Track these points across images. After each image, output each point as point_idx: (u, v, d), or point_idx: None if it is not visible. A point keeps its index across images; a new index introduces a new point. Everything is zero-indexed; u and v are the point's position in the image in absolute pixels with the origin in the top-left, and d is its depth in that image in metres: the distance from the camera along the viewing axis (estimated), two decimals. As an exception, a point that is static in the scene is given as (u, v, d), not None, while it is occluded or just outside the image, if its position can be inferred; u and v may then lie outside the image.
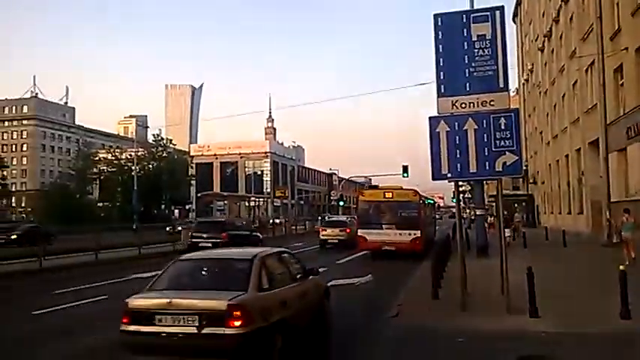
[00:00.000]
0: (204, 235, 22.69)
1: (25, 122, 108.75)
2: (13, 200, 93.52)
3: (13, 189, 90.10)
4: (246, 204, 39.66)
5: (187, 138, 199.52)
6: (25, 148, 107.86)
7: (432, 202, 29.10)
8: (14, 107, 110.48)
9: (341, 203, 62.18)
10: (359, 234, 20.81)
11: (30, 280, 14.92)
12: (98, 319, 9.66)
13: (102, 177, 71.96)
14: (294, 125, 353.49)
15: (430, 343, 6.89)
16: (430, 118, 8.54)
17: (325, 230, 27.35)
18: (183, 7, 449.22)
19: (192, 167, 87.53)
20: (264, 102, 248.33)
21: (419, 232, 19.82)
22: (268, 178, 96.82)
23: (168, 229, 37.27)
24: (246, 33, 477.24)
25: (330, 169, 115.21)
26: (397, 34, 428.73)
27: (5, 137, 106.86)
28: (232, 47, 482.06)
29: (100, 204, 69.14)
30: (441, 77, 8.51)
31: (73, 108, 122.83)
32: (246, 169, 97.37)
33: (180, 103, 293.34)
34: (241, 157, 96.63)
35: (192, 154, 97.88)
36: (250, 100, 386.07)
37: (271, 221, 45.60)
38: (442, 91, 8.50)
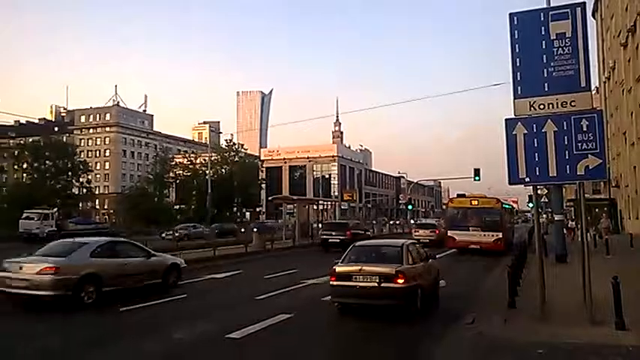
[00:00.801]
0: (333, 233, 27.81)
1: (107, 129, 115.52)
2: (97, 202, 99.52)
3: (97, 192, 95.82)
4: (315, 207, 39.91)
5: (257, 143, 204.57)
6: (107, 154, 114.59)
7: (510, 207, 32.76)
8: (98, 115, 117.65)
9: (409, 207, 61.30)
10: (449, 234, 24.65)
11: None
12: (180, 318, 10.13)
13: (178, 181, 75.05)
14: (361, 129, 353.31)
15: (507, 354, 6.66)
16: (506, 120, 8.28)
17: (417, 231, 31.15)
18: (254, 15, 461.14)
19: (262, 171, 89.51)
20: (331, 106, 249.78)
21: (500, 233, 23.52)
22: (336, 182, 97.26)
23: (243, 230, 39.26)
24: (313, 39, 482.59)
25: (399, 173, 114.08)
26: (468, 33, 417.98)
27: (90, 143, 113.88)
28: (301, 53, 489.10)
29: (177, 206, 72.13)
30: (518, 78, 8.24)
31: (152, 115, 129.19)
32: (314, 173, 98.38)
33: (250, 109, 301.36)
34: (309, 161, 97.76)
35: (262, 158, 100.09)
36: (318, 104, 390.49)
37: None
38: (519, 92, 8.22)
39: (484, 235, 23.40)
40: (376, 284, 9.40)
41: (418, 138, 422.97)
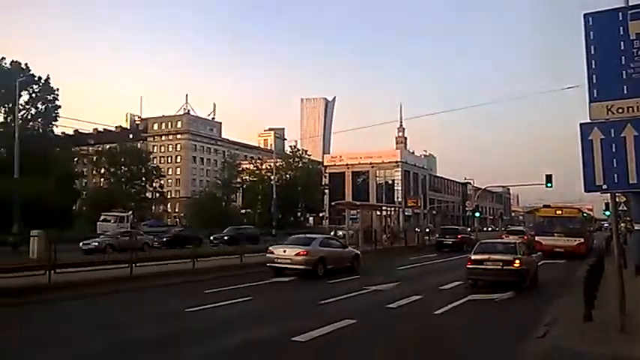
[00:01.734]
0: (447, 236, 35.18)
1: (178, 136, 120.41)
2: (169, 206, 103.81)
3: (169, 196, 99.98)
4: (378, 213, 39.70)
5: (321, 148, 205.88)
6: (178, 160, 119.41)
7: (589, 216, 37.24)
8: (170, 123, 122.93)
9: (477, 214, 59.53)
10: (536, 239, 27.75)
11: (184, 279, 16.40)
12: (244, 319, 10.42)
13: (244, 186, 76.97)
14: (426, 134, 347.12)
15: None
16: (581, 124, 7.91)
17: (508, 237, 32.33)
18: (318, 23, 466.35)
19: (325, 177, 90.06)
20: (395, 112, 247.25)
21: (582, 239, 27.33)
22: (399, 188, 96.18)
23: (332, 233, 39.92)
24: (375, 44, 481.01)
25: (465, 179, 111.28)
26: (540, 34, 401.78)
27: (162, 150, 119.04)
28: (364, 59, 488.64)
29: (243, 211, 73.97)
30: (594, 81, 7.86)
31: (220, 123, 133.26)
32: (377, 179, 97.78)
33: (314, 115, 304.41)
34: (372, 167, 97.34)
35: (325, 164, 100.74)
36: (381, 110, 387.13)
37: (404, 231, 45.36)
38: (595, 95, 7.84)
39: (567, 240, 26.64)
40: (500, 267, 14.30)
41: (485, 143, 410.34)
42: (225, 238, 36.08)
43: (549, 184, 43.22)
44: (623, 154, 7.50)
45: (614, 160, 7.58)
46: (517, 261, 14.31)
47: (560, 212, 29.55)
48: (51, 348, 7.94)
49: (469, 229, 58.02)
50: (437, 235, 36.58)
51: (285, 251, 17.38)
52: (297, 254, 16.99)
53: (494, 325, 10.05)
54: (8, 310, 10.89)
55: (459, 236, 34.77)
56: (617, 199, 12.76)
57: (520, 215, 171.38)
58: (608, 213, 38.95)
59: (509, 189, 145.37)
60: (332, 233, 39.90)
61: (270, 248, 18.06)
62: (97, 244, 26.77)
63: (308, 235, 20.11)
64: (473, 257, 14.93)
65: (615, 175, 7.58)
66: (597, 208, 60.99)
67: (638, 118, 7.50)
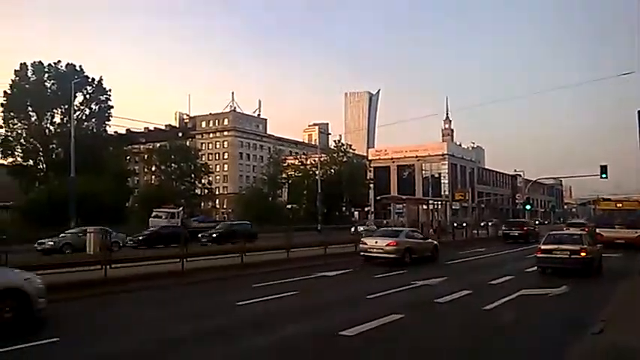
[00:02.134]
0: (513, 229, 36.82)
1: (225, 134, 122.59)
2: (217, 202, 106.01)
3: (217, 192, 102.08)
4: (424, 207, 39.20)
5: (365, 143, 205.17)
6: (226, 157, 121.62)
7: None
8: (217, 120, 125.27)
9: (527, 207, 57.82)
10: (597, 232, 28.05)
11: (234, 273, 16.72)
12: (291, 312, 10.53)
13: (290, 181, 77.72)
14: (473, 126, 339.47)
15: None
16: (639, 112, 7.55)
17: (569, 229, 32.78)
18: (360, 16, 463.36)
19: (370, 171, 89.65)
20: (441, 104, 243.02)
21: None
22: (446, 181, 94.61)
23: (352, 229, 39.67)
24: (420, 36, 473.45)
25: (515, 171, 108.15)
26: (595, 20, 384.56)
27: (210, 147, 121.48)
28: (407, 51, 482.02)
29: (289, 206, 74.69)
30: (653, 65, 7.45)
31: (265, 119, 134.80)
32: (424, 172, 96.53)
33: (358, 109, 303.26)
34: (418, 160, 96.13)
35: (370, 158, 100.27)
36: (427, 103, 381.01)
37: (454, 224, 44.72)
38: (655, 81, 7.45)
39: (628, 231, 27.47)
40: (567, 255, 15.75)
41: (537, 134, 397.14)
42: (214, 235, 32.73)
43: (604, 175, 41.60)
44: (687, 142, 7.11)
45: (677, 148, 7.18)
46: (583, 251, 15.79)
47: (620, 205, 31.32)
48: (121, 335, 8.28)
49: (536, 221, 62.66)
50: (503, 228, 38.91)
51: (376, 242, 20.16)
52: (387, 245, 19.63)
53: (547, 321, 9.73)
54: (83, 302, 11.52)
55: (525, 228, 37.06)
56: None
57: (573, 208, 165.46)
58: None
59: (561, 181, 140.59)
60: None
61: (363, 239, 21.70)
62: (52, 243, 25.82)
63: (395, 229, 24.08)
64: (542, 247, 16.58)
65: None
66: None
67: (702, 103, 7.07)
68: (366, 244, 20.49)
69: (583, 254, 15.57)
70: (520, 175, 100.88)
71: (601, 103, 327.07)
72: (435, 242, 22.54)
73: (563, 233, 20.10)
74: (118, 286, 13.19)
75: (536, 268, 16.92)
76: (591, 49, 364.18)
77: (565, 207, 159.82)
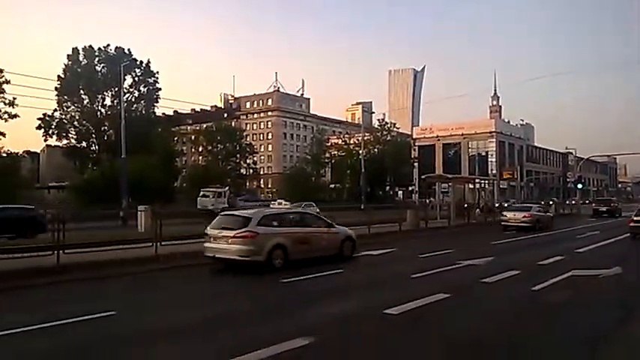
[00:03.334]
0: (602, 205, 46.26)
1: (269, 114, 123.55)
2: (262, 182, 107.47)
3: (261, 172, 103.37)
4: (471, 186, 38.41)
5: (410, 121, 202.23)
6: (270, 137, 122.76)
7: None
8: (261, 101, 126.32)
9: (579, 186, 55.83)
10: None
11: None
12: (336, 291, 10.62)
13: (333, 161, 77.77)
14: (523, 103, 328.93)
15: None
16: None
17: None
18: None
19: (414, 150, 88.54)
20: (489, 80, 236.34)
21: None
22: (494, 159, 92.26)
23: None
24: (466, 9, 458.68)
25: (566, 148, 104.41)
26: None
27: (254, 127, 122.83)
28: (454, 27, 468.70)
29: (332, 185, 74.90)
30: None
31: (308, 99, 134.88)
32: (470, 150, 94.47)
33: (402, 87, 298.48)
34: (464, 138, 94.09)
35: (414, 136, 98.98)
36: (474, 79, 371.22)
37: (500, 204, 43.72)
38: None
39: None
40: None
41: (590, 110, 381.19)
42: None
43: (663, 152, 39.62)
44: None
45: None
46: None
47: None
48: (158, 310, 8.62)
49: (614, 198, 70.02)
50: (593, 205, 48.66)
51: (515, 215, 27.74)
52: (523, 217, 27.04)
53: (597, 303, 9.43)
54: (133, 278, 12.12)
55: (612, 204, 46.55)
56: None
57: (627, 186, 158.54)
58: None
59: (615, 158, 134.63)
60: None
61: (504, 213, 29.29)
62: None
63: (526, 205, 33.81)
64: (635, 218, 21.89)
65: None
66: None
67: None
68: (506, 216, 28.19)
69: None
70: (571, 153, 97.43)
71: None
72: (552, 214, 29.93)
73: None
74: (167, 262, 13.67)
75: (628, 234, 21.63)
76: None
77: (619, 185, 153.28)
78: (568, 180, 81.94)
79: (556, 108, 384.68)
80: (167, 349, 6.51)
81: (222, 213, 15.35)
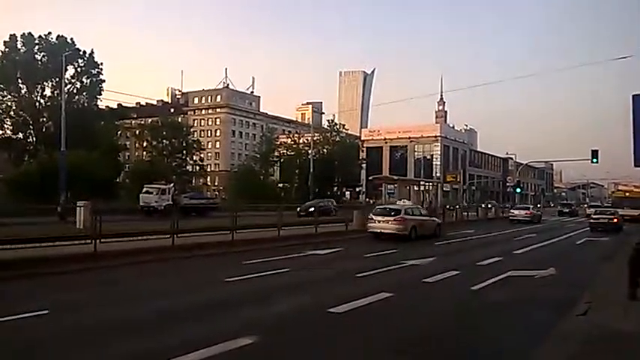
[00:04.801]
0: (565, 208, 61.48)
1: (218, 110, 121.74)
2: (208, 179, 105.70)
3: (208, 169, 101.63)
4: (416, 188, 39.41)
5: (359, 123, 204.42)
6: (218, 134, 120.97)
7: None
8: (209, 97, 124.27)
9: (518, 190, 58.22)
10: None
11: (224, 250, 16.71)
12: (281, 290, 10.57)
13: (282, 160, 77.49)
14: (467, 108, 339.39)
15: (625, 347, 6.17)
16: (634, 96, 7.53)
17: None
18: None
19: (362, 151, 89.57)
20: (435, 85, 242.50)
21: None
22: (438, 163, 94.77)
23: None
24: (417, 16, 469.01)
25: (507, 154, 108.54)
26: (584, 5, 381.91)
27: (202, 124, 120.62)
28: (405, 31, 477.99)
29: (280, 185, 74.62)
30: (649, 49, 7.43)
31: (259, 97, 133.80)
32: (416, 153, 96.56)
33: (352, 89, 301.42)
34: (411, 141, 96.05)
35: (363, 138, 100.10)
36: (421, 83, 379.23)
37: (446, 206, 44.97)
38: (649, 65, 7.42)
39: (633, 211, 39.16)
40: (607, 221, 30.13)
41: (530, 117, 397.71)
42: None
43: (595, 160, 41.99)
44: (678, 126, 7.11)
45: (668, 133, 7.19)
46: (616, 219, 30.76)
47: (627, 194, 49.67)
48: (103, 308, 8.29)
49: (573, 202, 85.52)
50: (559, 207, 64.80)
51: (519, 212, 40.44)
52: (525, 214, 39.60)
53: (533, 301, 9.86)
54: (64, 277, 11.51)
55: (572, 207, 63.65)
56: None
57: (563, 192, 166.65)
58: None
59: (552, 164, 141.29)
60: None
61: (511, 211, 41.69)
62: None
63: (526, 205, 49.99)
64: (593, 217, 32.11)
65: (668, 149, 7.19)
66: None
67: (695, 88, 7.06)
68: (513, 213, 41.29)
69: (616, 221, 30.53)
70: (511, 158, 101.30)
71: (596, 88, 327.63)
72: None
73: (602, 209, 37.78)
74: (107, 261, 13.18)
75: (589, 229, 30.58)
76: (589, 32, 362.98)
77: (555, 191, 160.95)
78: (508, 184, 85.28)
79: (498, 114, 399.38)
80: (106, 349, 6.27)
81: (380, 207, 25.67)
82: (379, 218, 21.72)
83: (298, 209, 37.73)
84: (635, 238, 15.47)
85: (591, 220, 31.83)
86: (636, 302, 8.34)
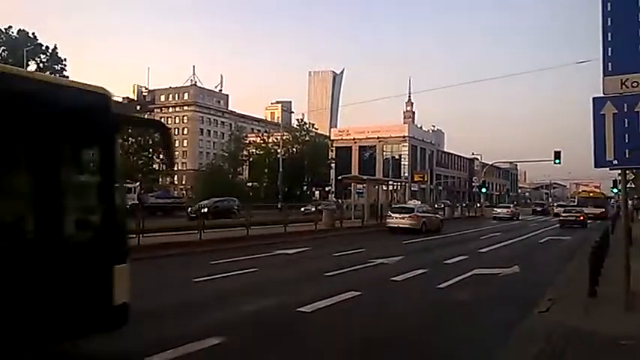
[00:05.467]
0: (538, 208, 65.92)
1: (185, 108, 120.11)
2: (176, 178, 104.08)
3: (176, 168, 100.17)
4: (384, 187, 39.66)
5: (328, 122, 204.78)
6: (185, 132, 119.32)
7: (605, 195, 58.60)
8: (177, 95, 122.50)
9: (483, 190, 59.41)
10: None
11: (191, 249, 16.52)
12: (250, 289, 10.50)
13: (251, 159, 76.90)
14: (434, 109, 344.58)
15: (586, 343, 6.35)
16: (594, 99, 7.76)
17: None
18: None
19: (332, 151, 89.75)
20: (404, 86, 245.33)
21: (603, 209, 48.02)
22: (406, 163, 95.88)
23: (303, 209, 39.76)
24: (386, 17, 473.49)
25: (472, 154, 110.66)
26: (552, 6, 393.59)
27: (169, 122, 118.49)
28: (373, 31, 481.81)
29: (249, 184, 74.10)
30: (609, 54, 7.65)
31: (227, 95, 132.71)
32: (384, 153, 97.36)
33: (322, 88, 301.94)
34: (379, 141, 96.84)
35: (332, 138, 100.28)
36: (390, 84, 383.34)
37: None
38: (609, 69, 7.65)
39: (595, 209, 45.66)
40: (574, 219, 35.21)
41: (495, 118, 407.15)
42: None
43: (558, 161, 43.16)
44: (636, 129, 7.37)
45: (626, 135, 7.45)
46: (581, 216, 35.60)
47: (591, 194, 56.59)
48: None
49: (545, 202, 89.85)
50: (532, 206, 70.27)
51: (502, 210, 48.19)
52: (507, 211, 47.49)
53: (498, 299, 10.06)
54: None
55: (545, 206, 68.56)
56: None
57: (527, 192, 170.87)
58: (615, 190, 39.46)
59: (516, 165, 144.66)
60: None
61: (495, 209, 49.79)
62: None
63: (507, 205, 57.61)
64: (562, 214, 36.85)
65: (626, 151, 7.46)
66: (606, 186, 62.48)
67: (652, 92, 7.36)
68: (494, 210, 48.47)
69: (581, 218, 35.53)
70: (477, 159, 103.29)
71: (560, 90, 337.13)
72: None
73: (568, 208, 41.86)
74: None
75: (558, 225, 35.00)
76: (554, 36, 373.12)
77: (519, 191, 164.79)
78: (474, 184, 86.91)
79: (465, 115, 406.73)
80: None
81: (396, 206, 30.44)
82: (396, 215, 26.14)
83: (189, 209, 31.85)
84: (595, 235, 15.99)
85: (561, 218, 36.98)
86: (596, 299, 8.60)
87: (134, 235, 15.56)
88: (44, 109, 4.60)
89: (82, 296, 4.83)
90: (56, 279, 4.57)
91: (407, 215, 25.90)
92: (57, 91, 5.11)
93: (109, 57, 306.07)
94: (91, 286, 4.97)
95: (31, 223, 4.62)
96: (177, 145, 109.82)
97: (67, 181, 5.05)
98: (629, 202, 36.73)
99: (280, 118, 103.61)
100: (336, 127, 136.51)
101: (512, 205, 55.97)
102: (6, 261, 4.18)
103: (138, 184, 46.94)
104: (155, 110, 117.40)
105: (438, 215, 31.23)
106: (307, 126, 77.03)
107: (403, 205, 31.65)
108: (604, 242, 14.01)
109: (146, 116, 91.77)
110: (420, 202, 35.85)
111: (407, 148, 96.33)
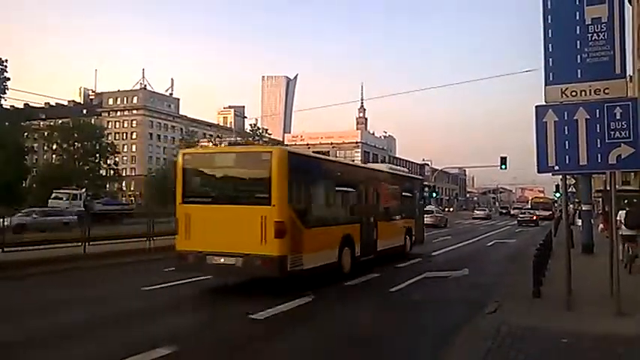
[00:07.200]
0: (477, 210, 75.14)
1: (134, 112, 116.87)
2: (124, 184, 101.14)
3: (124, 174, 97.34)
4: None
5: (282, 128, 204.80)
6: (134, 136, 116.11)
7: (552, 200, 67.57)
8: (125, 98, 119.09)
9: (433, 195, 60.75)
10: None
11: (141, 257, 16.08)
12: (203, 296, 10.34)
13: (203, 164, 75.76)
14: (386, 115, 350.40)
15: (530, 341, 6.60)
16: (537, 107, 8.09)
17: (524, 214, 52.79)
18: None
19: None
20: (356, 92, 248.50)
21: (551, 211, 58.23)
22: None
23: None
24: (339, 24, 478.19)
25: (423, 160, 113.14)
26: (500, 16, 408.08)
27: (117, 126, 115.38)
28: (326, 38, 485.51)
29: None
30: (550, 64, 8.02)
31: (178, 99, 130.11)
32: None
33: (275, 93, 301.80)
34: (333, 147, 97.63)
35: (285, 143, 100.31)
36: (343, 90, 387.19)
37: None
38: (550, 78, 8.01)
39: (544, 212, 54.94)
40: (530, 218, 46.92)
41: (443, 125, 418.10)
42: None
43: (504, 166, 44.65)
44: (575, 136, 7.73)
45: (566, 142, 7.79)
46: (535, 217, 46.50)
47: (541, 200, 72.33)
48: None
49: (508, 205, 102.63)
50: (499, 209, 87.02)
51: (480, 212, 65.95)
52: (484, 214, 64.14)
53: (448, 301, 10.32)
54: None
55: (508, 209, 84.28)
56: (567, 181, 13.26)
57: (475, 196, 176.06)
58: (558, 194, 41.47)
59: (465, 170, 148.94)
60: None
61: (475, 211, 69.80)
62: None
63: (484, 208, 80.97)
64: (520, 215, 49.08)
65: (567, 157, 7.81)
66: (549, 190, 67.73)
67: (590, 101, 7.73)
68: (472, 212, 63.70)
69: (535, 218, 45.78)
70: (428, 164, 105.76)
71: (506, 98, 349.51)
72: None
73: (526, 210, 53.29)
74: (10, 271, 12.25)
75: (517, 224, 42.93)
76: (501, 46, 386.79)
77: (468, 195, 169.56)
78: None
79: (416, 122, 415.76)
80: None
81: None
82: None
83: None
84: (539, 238, 16.64)
85: (519, 218, 48.17)
86: (540, 300, 8.96)
87: (80, 243, 15.09)
88: (405, 185, 18.49)
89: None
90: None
91: (429, 215, 30.57)
92: (412, 179, 20.32)
93: (54, 58, 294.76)
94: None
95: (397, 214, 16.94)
96: (125, 150, 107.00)
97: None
98: (570, 205, 38.43)
99: (233, 123, 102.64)
100: (289, 132, 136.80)
101: (487, 209, 78.32)
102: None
103: (84, 190, 45.31)
104: (102, 114, 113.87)
105: (443, 214, 42.32)
106: (261, 131, 76.76)
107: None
108: (546, 245, 14.60)
109: (93, 121, 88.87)
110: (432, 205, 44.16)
111: (360, 154, 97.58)
